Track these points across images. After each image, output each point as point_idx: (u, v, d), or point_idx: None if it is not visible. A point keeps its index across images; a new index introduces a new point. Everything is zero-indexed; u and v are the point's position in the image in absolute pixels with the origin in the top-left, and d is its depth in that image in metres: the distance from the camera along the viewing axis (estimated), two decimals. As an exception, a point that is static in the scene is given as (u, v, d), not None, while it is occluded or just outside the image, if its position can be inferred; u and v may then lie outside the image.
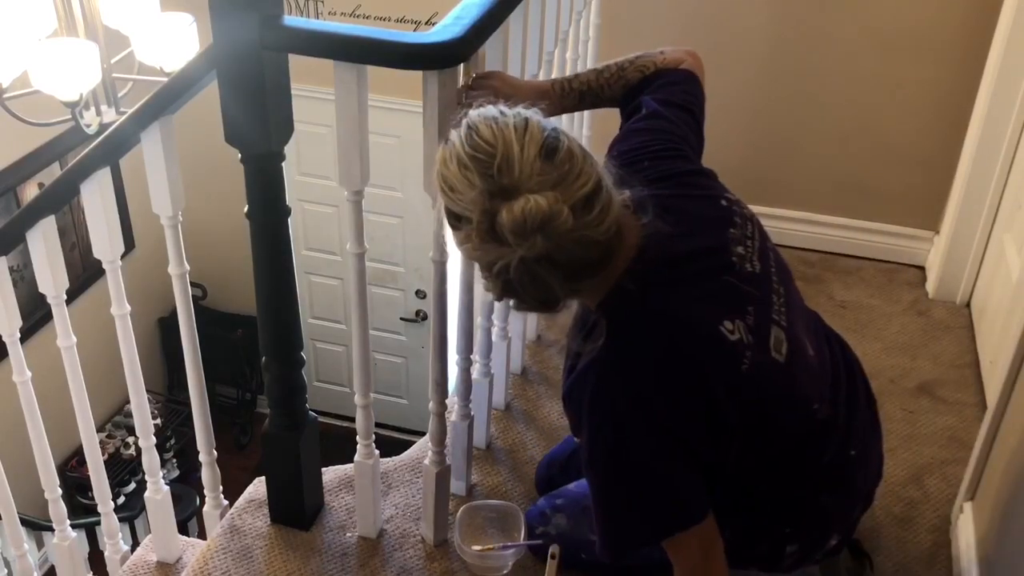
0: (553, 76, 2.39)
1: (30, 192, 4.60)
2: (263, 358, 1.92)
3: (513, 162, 1.27)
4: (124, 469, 5.16)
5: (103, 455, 2.45)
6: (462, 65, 1.65)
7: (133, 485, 5.14)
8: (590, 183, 1.31)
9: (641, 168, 1.57)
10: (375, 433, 1.99)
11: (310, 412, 2.01)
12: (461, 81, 1.67)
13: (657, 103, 1.75)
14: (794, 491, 1.65)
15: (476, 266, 1.40)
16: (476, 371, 2.16)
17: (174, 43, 2.91)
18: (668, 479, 1.46)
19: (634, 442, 1.43)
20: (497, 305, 2.24)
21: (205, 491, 2.22)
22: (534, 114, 1.34)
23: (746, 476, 1.58)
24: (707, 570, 1.53)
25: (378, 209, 5.12)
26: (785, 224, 3.09)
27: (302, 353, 1.94)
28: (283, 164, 1.74)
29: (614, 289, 1.42)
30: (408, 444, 2.39)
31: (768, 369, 1.50)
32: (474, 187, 1.28)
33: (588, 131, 2.87)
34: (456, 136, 1.33)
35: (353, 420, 2.02)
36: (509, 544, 1.96)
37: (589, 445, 1.46)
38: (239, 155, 1.71)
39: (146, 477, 2.17)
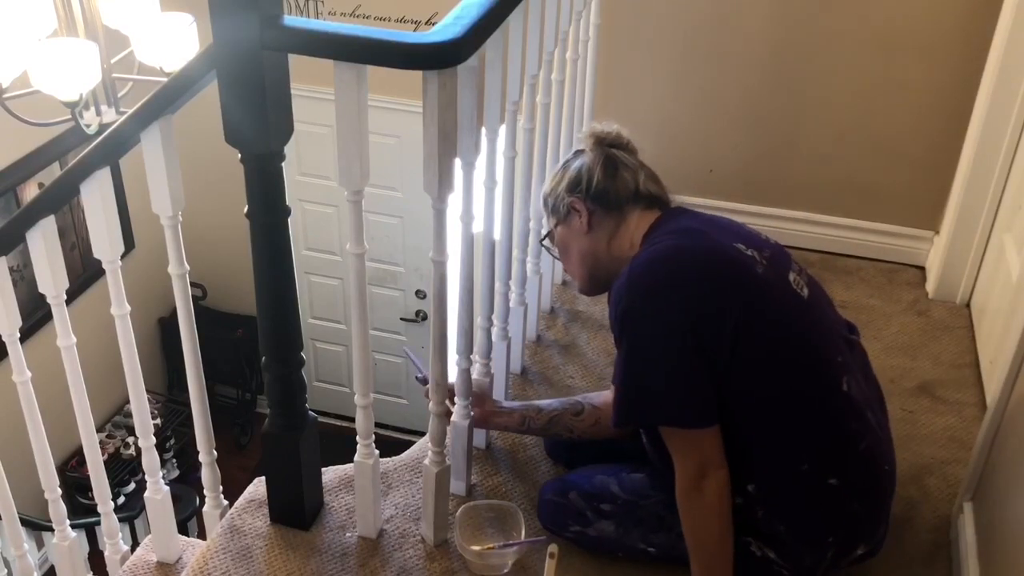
0: (553, 76, 2.40)
1: (30, 192, 4.60)
2: (263, 358, 1.92)
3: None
4: (124, 469, 5.16)
5: (103, 455, 2.45)
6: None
7: (133, 485, 5.14)
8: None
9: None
10: (375, 433, 1.99)
11: (310, 412, 2.01)
12: None
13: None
14: (829, 475, 1.74)
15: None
16: (476, 371, 2.16)
17: (174, 43, 2.91)
18: (677, 370, 1.68)
19: (659, 320, 1.68)
20: (497, 305, 2.24)
21: (205, 491, 2.22)
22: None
23: (777, 433, 1.73)
24: (700, 489, 1.69)
25: (378, 209, 5.12)
26: (785, 224, 3.10)
27: (302, 353, 1.94)
28: (283, 164, 1.74)
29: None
30: (408, 444, 2.38)
31: (783, 286, 1.76)
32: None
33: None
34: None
35: (353, 420, 2.02)
36: (509, 543, 1.96)
37: (622, 316, 1.71)
38: (239, 155, 1.71)
39: (146, 477, 2.17)
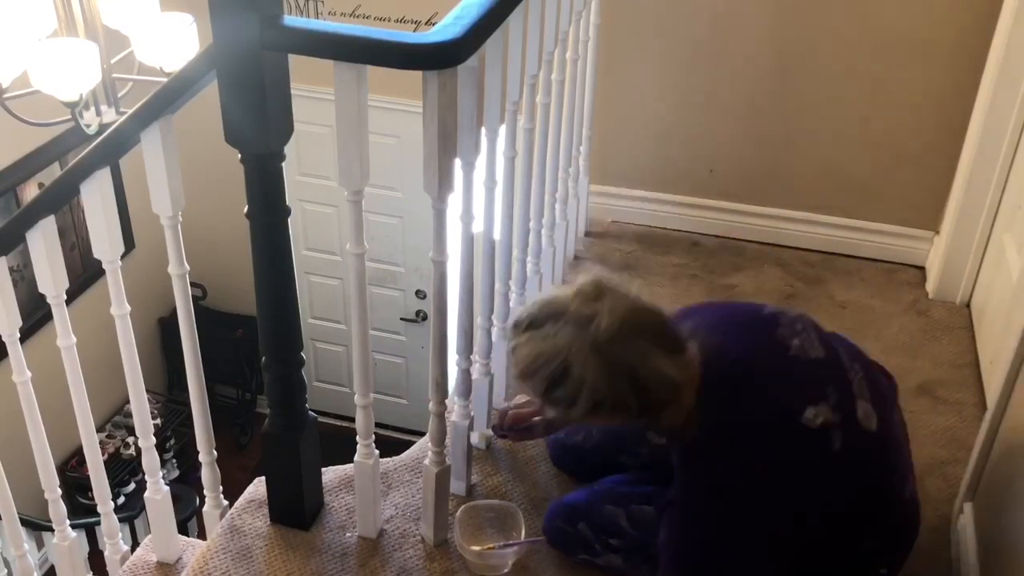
0: (553, 76, 2.39)
1: (30, 192, 4.59)
2: (263, 358, 1.92)
3: (552, 299, 1.56)
4: (124, 469, 5.16)
5: (103, 455, 2.45)
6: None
7: (133, 485, 5.14)
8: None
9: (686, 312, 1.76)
10: (375, 433, 1.99)
11: (310, 412, 2.01)
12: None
13: None
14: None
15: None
16: (476, 371, 2.16)
17: (174, 43, 2.91)
18: (764, 562, 1.56)
19: (751, 530, 1.54)
20: (497, 305, 2.24)
21: (205, 491, 2.22)
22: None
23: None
24: None
25: (378, 209, 5.12)
26: (785, 224, 3.10)
27: (302, 353, 1.94)
28: (283, 164, 1.74)
29: (691, 412, 1.57)
30: (408, 444, 2.38)
31: (862, 441, 1.59)
32: (544, 335, 1.51)
33: (588, 130, 2.88)
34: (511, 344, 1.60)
35: (353, 420, 2.02)
36: (509, 543, 1.96)
37: (698, 511, 1.57)
38: (239, 155, 1.71)
39: (146, 477, 2.17)
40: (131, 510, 4.55)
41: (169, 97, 1.79)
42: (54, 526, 2.24)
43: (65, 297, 1.98)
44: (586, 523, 1.91)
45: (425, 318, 5.65)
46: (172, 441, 5.49)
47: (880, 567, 1.71)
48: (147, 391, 2.19)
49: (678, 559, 1.64)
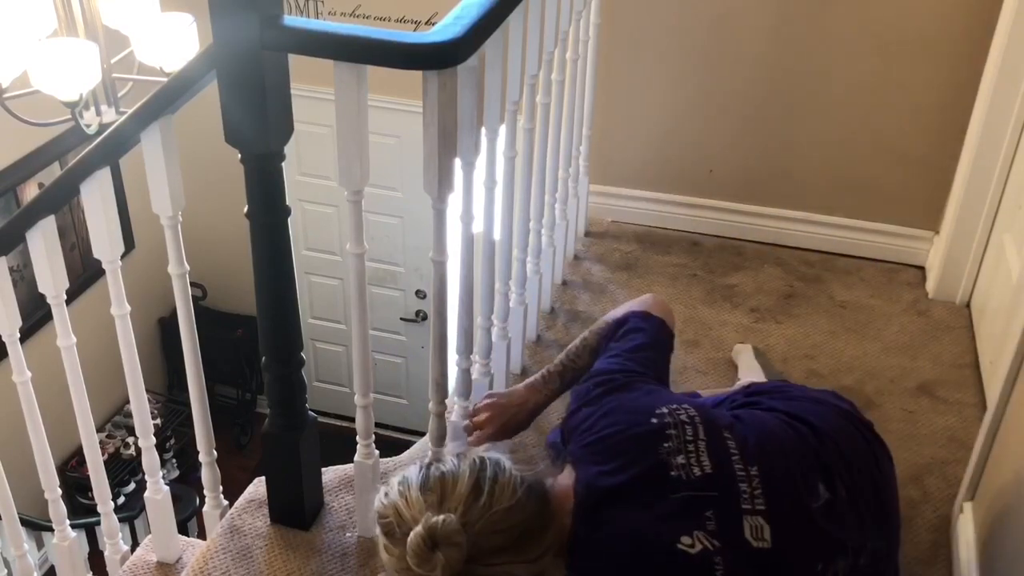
0: (553, 76, 2.40)
1: (30, 192, 4.60)
2: (263, 358, 1.92)
3: (401, 513, 1.41)
4: (124, 469, 5.16)
5: (103, 455, 2.45)
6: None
7: (133, 485, 5.14)
8: (465, 478, 1.42)
9: (576, 420, 1.65)
10: (375, 433, 1.99)
11: (310, 412, 2.01)
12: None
13: (600, 355, 1.83)
14: None
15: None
16: (476, 371, 2.16)
17: (174, 43, 2.92)
18: None
19: None
20: (497, 305, 2.24)
21: (205, 491, 2.22)
22: (415, 465, 1.47)
23: None
24: None
25: (378, 209, 5.12)
26: (785, 224, 3.10)
27: (302, 353, 1.94)
28: (283, 164, 1.74)
29: (568, 540, 1.48)
30: (408, 444, 2.39)
31: (753, 560, 1.47)
32: (397, 556, 1.40)
33: (588, 130, 2.88)
34: (375, 532, 1.47)
35: (353, 420, 2.02)
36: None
37: None
38: (239, 155, 1.71)
39: (146, 477, 2.17)
40: (131, 510, 4.55)
41: (169, 97, 1.79)
42: (54, 526, 2.24)
43: (65, 297, 1.98)
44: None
45: (425, 318, 5.65)
46: (172, 441, 5.49)
47: None
48: (147, 391, 2.19)
49: None
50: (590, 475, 1.53)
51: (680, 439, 1.55)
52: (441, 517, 1.37)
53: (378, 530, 1.46)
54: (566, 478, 1.55)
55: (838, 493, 1.59)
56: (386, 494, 1.46)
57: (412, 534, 1.37)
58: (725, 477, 1.52)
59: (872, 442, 1.74)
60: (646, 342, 1.81)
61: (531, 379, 1.96)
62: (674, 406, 1.61)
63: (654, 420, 1.58)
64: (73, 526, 2.30)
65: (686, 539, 1.45)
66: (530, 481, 1.47)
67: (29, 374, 2.06)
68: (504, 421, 1.93)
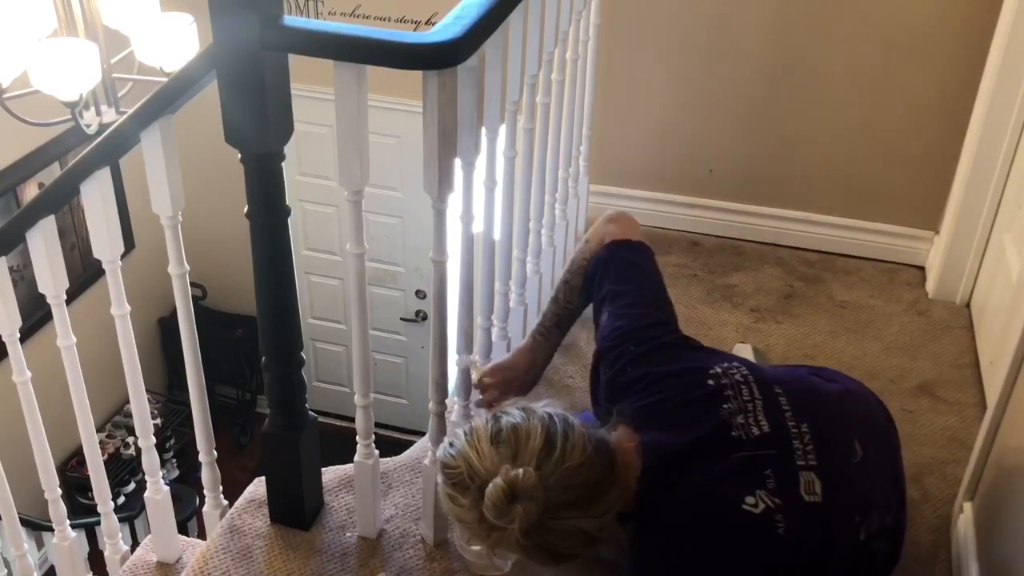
0: (553, 76, 2.40)
1: (30, 192, 4.60)
2: (263, 358, 1.92)
3: (472, 463, 1.44)
4: (124, 469, 5.17)
5: (103, 455, 2.45)
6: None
7: (133, 485, 5.14)
8: (537, 433, 1.44)
9: (625, 381, 1.67)
10: (375, 433, 1.99)
11: (310, 412, 2.01)
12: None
13: (608, 305, 1.83)
14: None
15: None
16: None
17: (174, 43, 2.92)
18: None
19: None
20: (497, 305, 2.24)
21: (205, 491, 2.22)
22: (481, 416, 1.52)
23: None
24: None
25: (378, 209, 5.12)
26: (785, 224, 3.10)
27: (302, 353, 1.94)
28: (283, 164, 1.74)
29: (633, 501, 1.51)
30: (408, 444, 2.39)
31: (807, 516, 1.52)
32: (465, 506, 1.44)
33: (588, 130, 2.88)
34: (436, 479, 1.51)
35: (353, 420, 2.02)
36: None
37: None
38: (239, 155, 1.71)
39: (146, 477, 2.17)
40: (131, 510, 4.55)
41: (169, 97, 1.79)
42: (54, 526, 2.25)
43: (65, 297, 1.98)
44: None
45: (425, 318, 5.65)
46: (172, 441, 5.49)
47: None
48: (147, 391, 2.19)
49: None
50: (655, 439, 1.54)
51: (739, 399, 1.59)
52: (521, 470, 1.39)
53: (441, 479, 1.48)
54: (627, 440, 1.56)
55: (868, 450, 1.64)
56: (451, 444, 1.48)
57: (492, 485, 1.38)
58: (780, 435, 1.57)
59: (885, 410, 1.82)
60: (648, 277, 1.85)
61: (529, 340, 1.97)
62: (726, 365, 1.65)
63: (711, 382, 1.62)
64: (73, 526, 2.30)
65: (749, 499, 1.49)
66: (596, 440, 1.48)
67: (29, 374, 2.06)
68: (514, 387, 1.96)
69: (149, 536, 2.27)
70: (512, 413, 1.50)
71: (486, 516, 1.40)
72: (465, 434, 1.48)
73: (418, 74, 1.61)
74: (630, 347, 1.71)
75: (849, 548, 1.58)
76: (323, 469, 2.15)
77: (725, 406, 1.58)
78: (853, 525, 1.59)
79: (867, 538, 1.61)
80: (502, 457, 1.42)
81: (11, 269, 1.98)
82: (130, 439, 5.20)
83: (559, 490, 1.41)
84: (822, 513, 1.53)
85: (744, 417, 1.57)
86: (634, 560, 1.56)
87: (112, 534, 2.25)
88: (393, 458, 2.26)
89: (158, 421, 5.26)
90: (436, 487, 1.49)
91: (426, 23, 4.49)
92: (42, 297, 1.96)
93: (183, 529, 3.59)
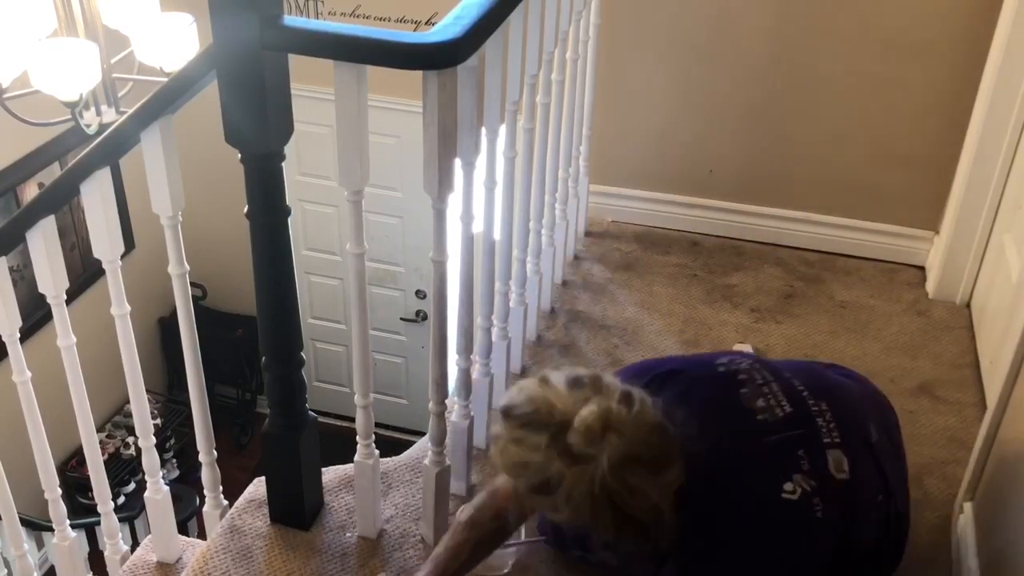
0: (553, 76, 2.40)
1: (30, 192, 4.59)
2: (263, 358, 1.92)
3: (552, 403, 1.40)
4: (124, 469, 5.16)
5: (103, 455, 2.45)
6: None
7: (133, 485, 5.14)
8: (618, 387, 1.42)
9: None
10: (375, 433, 1.99)
11: (310, 412, 2.01)
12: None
13: None
14: None
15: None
16: (476, 371, 2.16)
17: (174, 43, 2.92)
18: None
19: None
20: (497, 305, 2.24)
21: (205, 491, 2.22)
22: (554, 371, 1.47)
23: None
24: None
25: (378, 209, 5.12)
26: (785, 224, 3.10)
27: (302, 353, 1.94)
28: (283, 164, 1.74)
29: (679, 492, 1.44)
30: (408, 444, 2.39)
31: (837, 494, 1.53)
32: (538, 445, 1.38)
33: (588, 130, 2.88)
34: (498, 429, 1.47)
35: (353, 420, 2.02)
36: (509, 543, 1.95)
37: None
38: (239, 155, 1.71)
39: (146, 477, 2.17)
40: (131, 510, 4.55)
41: (169, 97, 1.79)
42: (54, 526, 2.24)
43: (65, 297, 1.98)
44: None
45: (425, 318, 5.65)
46: (172, 441, 5.49)
47: None
48: (147, 391, 2.19)
49: None
50: (685, 433, 1.47)
51: (753, 384, 1.59)
52: (613, 404, 1.37)
53: (506, 424, 1.44)
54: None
55: (881, 436, 1.67)
56: (522, 389, 1.45)
57: (586, 411, 1.36)
58: (804, 414, 1.56)
59: (888, 400, 1.86)
60: None
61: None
62: (728, 359, 1.66)
63: (721, 368, 1.63)
64: (73, 526, 2.30)
65: (788, 486, 1.49)
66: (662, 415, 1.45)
67: (29, 374, 2.06)
68: None
69: (149, 536, 2.27)
70: (578, 368, 1.49)
71: (571, 449, 1.35)
72: (538, 381, 1.45)
73: (418, 74, 1.61)
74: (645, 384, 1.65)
75: (872, 528, 1.60)
76: (323, 469, 2.15)
77: (743, 390, 1.58)
78: (877, 504, 1.61)
79: (887, 520, 1.63)
80: (583, 396, 1.39)
81: (11, 269, 1.98)
82: (130, 439, 5.20)
83: (635, 443, 1.36)
84: (849, 489, 1.55)
85: (764, 401, 1.57)
86: (679, 557, 1.52)
87: (112, 534, 2.25)
88: (393, 458, 2.26)
89: (158, 421, 5.26)
90: (500, 446, 1.44)
91: (426, 23, 4.49)
92: (42, 297, 1.96)
93: (183, 529, 3.59)
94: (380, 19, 4.59)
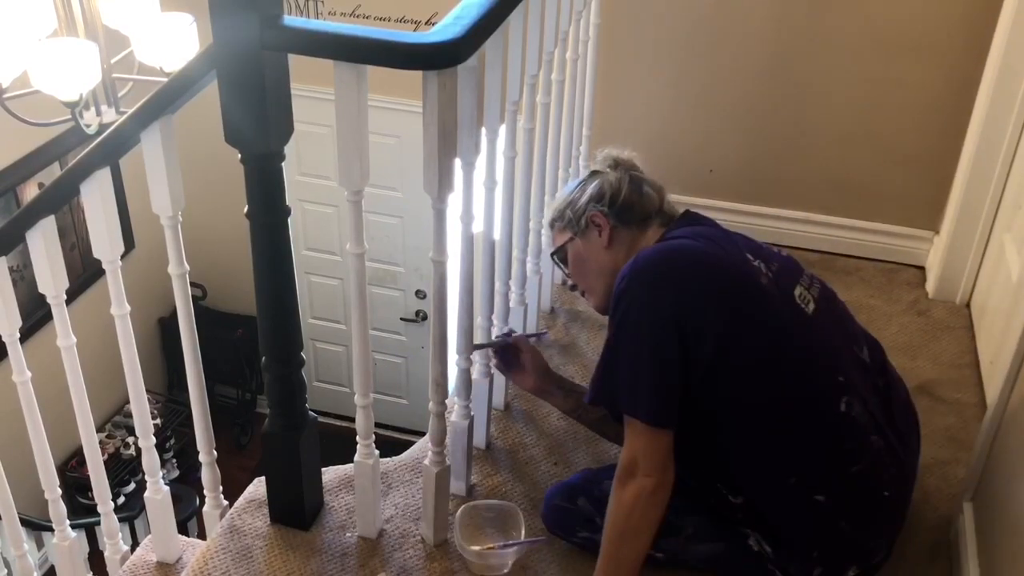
0: (553, 76, 2.40)
1: (30, 192, 4.60)
2: (263, 358, 1.92)
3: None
4: (124, 469, 5.16)
5: (103, 455, 2.45)
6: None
7: (133, 485, 5.14)
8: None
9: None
10: (375, 433, 1.99)
11: (310, 412, 2.01)
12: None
13: None
14: (816, 492, 1.74)
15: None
16: (476, 371, 2.16)
17: (174, 43, 2.92)
18: (648, 364, 1.68)
19: (646, 310, 1.70)
20: (497, 305, 2.24)
21: (205, 491, 2.22)
22: None
23: (763, 444, 1.74)
24: (624, 485, 1.71)
25: (378, 209, 5.12)
26: (785, 224, 3.10)
27: (302, 353, 1.94)
28: (283, 164, 1.74)
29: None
30: (408, 444, 2.38)
31: (785, 299, 1.78)
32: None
33: (588, 130, 2.88)
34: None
35: (353, 420, 2.02)
36: (509, 543, 1.96)
37: (617, 297, 1.74)
38: (239, 155, 1.71)
39: (146, 477, 2.17)
40: (131, 510, 4.55)
41: (169, 97, 1.79)
42: (54, 526, 2.24)
43: (65, 297, 1.98)
44: (586, 497, 1.94)
45: (425, 318, 5.65)
46: (172, 441, 5.49)
47: (816, 493, 1.74)
48: (147, 391, 2.19)
49: (602, 356, 1.78)
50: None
51: (763, 249, 1.90)
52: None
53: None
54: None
55: (873, 354, 1.96)
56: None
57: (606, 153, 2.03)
58: (790, 273, 1.87)
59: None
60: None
61: (572, 397, 2.15)
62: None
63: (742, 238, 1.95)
64: (73, 526, 2.30)
65: (750, 256, 1.81)
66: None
67: (29, 374, 2.06)
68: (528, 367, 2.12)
69: (149, 536, 2.27)
70: None
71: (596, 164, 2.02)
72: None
73: (418, 74, 1.61)
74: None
75: (818, 377, 1.76)
76: (323, 469, 2.15)
77: (748, 255, 1.82)
78: (856, 357, 1.88)
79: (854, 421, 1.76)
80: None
81: (11, 269, 1.98)
82: (130, 439, 5.20)
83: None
84: (804, 317, 1.80)
85: (765, 253, 1.87)
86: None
87: (112, 534, 2.25)
88: (393, 458, 2.26)
89: (158, 421, 5.26)
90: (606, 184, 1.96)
91: (426, 23, 4.49)
92: (42, 297, 1.96)
93: (183, 529, 3.59)
94: (380, 19, 4.59)
